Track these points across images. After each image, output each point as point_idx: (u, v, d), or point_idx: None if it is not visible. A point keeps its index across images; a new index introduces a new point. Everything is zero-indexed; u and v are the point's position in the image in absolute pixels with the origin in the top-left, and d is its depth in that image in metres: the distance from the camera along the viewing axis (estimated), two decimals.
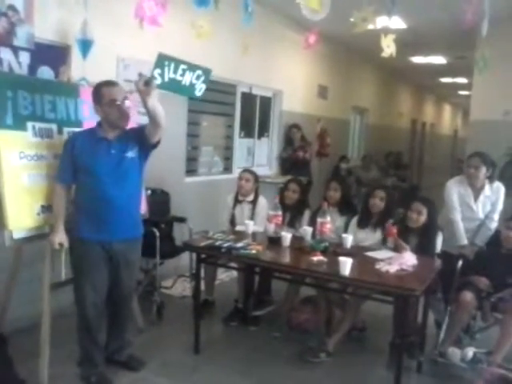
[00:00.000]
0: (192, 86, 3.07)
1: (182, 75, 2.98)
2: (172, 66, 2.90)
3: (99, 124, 2.91)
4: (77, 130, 3.13)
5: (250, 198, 4.24)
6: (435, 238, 3.59)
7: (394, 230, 3.47)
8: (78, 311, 2.94)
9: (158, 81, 2.78)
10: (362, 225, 3.81)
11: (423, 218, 3.54)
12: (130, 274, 3.06)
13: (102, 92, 2.82)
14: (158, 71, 2.81)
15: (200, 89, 3.15)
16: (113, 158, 2.84)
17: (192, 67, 3.04)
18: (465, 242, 3.83)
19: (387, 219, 3.69)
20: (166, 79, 2.89)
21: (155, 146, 2.96)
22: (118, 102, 2.80)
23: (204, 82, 3.14)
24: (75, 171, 2.84)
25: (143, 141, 2.90)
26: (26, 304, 3.30)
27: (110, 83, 2.89)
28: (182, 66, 2.96)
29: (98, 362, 3.01)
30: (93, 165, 2.80)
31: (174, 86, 2.96)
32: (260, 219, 4.09)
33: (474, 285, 3.45)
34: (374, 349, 3.68)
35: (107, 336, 3.12)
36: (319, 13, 3.12)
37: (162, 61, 2.84)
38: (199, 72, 3.08)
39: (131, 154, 2.89)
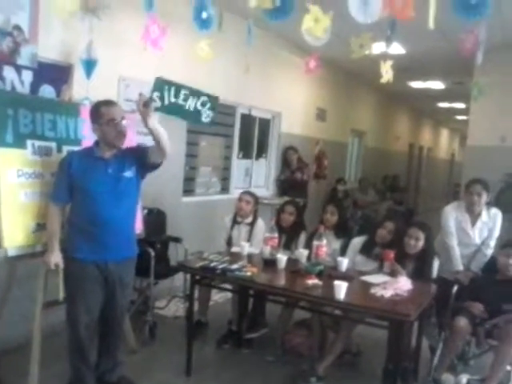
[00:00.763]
0: (197, 111, 3.10)
1: (185, 100, 3.01)
2: (172, 90, 2.94)
3: (96, 143, 2.92)
4: (76, 148, 3.15)
5: (249, 219, 4.25)
6: (432, 262, 3.59)
7: (391, 255, 3.47)
8: (70, 331, 2.91)
9: (158, 103, 2.81)
10: (365, 252, 3.81)
11: (421, 243, 3.54)
12: (123, 293, 3.05)
13: (101, 111, 2.83)
14: (157, 94, 2.85)
15: (207, 115, 3.17)
16: (110, 177, 2.85)
17: (195, 92, 3.07)
18: (460, 267, 3.83)
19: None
20: (167, 103, 2.92)
21: (157, 167, 2.99)
22: (116, 122, 2.82)
23: (210, 108, 3.16)
24: (71, 190, 2.83)
25: (142, 160, 2.92)
26: (17, 322, 3.27)
27: (108, 103, 2.92)
28: (184, 91, 3.00)
29: (89, 383, 2.97)
30: (89, 184, 2.80)
31: (176, 111, 3.00)
32: (257, 241, 4.09)
33: (469, 311, 3.44)
34: (368, 373, 3.65)
35: (98, 356, 3.09)
36: (321, 38, 3.17)
37: (160, 84, 2.88)
38: (204, 98, 3.11)
39: (129, 173, 2.91)
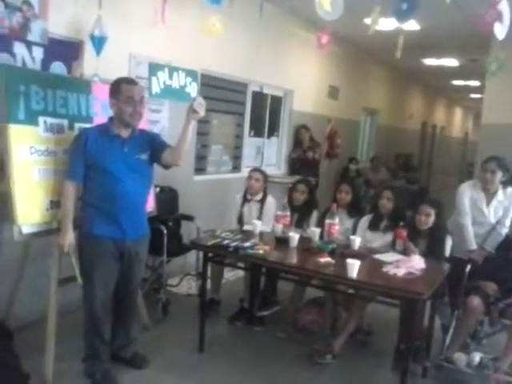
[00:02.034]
0: (182, 88, 3.11)
1: (171, 78, 3.04)
2: (166, 72, 2.98)
3: (111, 120, 2.91)
4: (88, 125, 3.13)
5: (259, 197, 4.24)
6: (444, 240, 3.57)
7: (404, 234, 3.46)
8: (86, 307, 2.94)
9: (155, 90, 2.92)
10: (372, 227, 3.82)
11: (431, 219, 3.53)
12: (139, 270, 3.10)
13: (122, 88, 2.82)
14: (154, 80, 2.90)
15: (193, 88, 3.17)
16: (126, 156, 2.85)
17: (176, 69, 3.11)
18: (474, 246, 3.80)
19: (398, 221, 3.68)
20: (162, 86, 2.96)
21: (164, 167, 3.04)
22: (135, 100, 2.81)
23: (194, 81, 3.17)
24: (86, 168, 2.82)
25: (156, 154, 2.96)
26: (33, 299, 3.31)
27: (130, 81, 2.92)
28: (174, 72, 3.06)
29: (104, 359, 3.01)
30: (107, 162, 2.80)
31: (170, 93, 3.04)
32: (267, 219, 4.08)
33: (482, 290, 3.42)
34: (380, 352, 3.66)
35: (112, 333, 3.11)
36: (333, 13, 3.11)
37: (154, 69, 2.92)
38: (183, 73, 3.12)
39: (144, 156, 2.93)
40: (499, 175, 3.80)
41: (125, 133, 2.88)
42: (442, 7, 4.86)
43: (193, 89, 3.14)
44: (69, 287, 3.03)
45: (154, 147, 2.97)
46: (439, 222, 3.57)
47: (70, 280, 2.99)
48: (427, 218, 3.53)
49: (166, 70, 3.00)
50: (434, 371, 3.37)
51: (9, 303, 3.26)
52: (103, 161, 2.80)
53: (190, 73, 3.16)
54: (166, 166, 3.03)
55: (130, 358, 3.21)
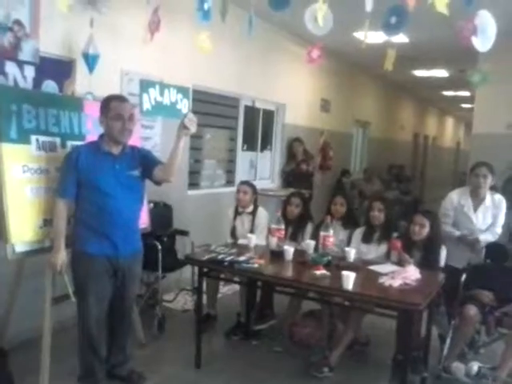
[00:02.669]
0: (173, 105, 3.12)
1: (162, 95, 3.06)
2: (157, 89, 2.99)
3: (101, 137, 2.91)
4: (80, 143, 3.14)
5: (250, 209, 4.25)
6: (439, 250, 3.57)
7: (399, 244, 3.47)
8: (81, 325, 2.92)
9: (146, 107, 2.89)
10: (366, 239, 3.81)
11: (426, 230, 3.53)
12: (133, 286, 3.09)
13: (111, 105, 2.83)
14: (145, 97, 2.92)
15: (184, 105, 3.18)
16: (117, 173, 2.85)
17: (167, 86, 3.13)
18: (457, 232, 3.83)
19: (391, 232, 3.69)
20: (154, 103, 2.97)
21: (156, 183, 3.04)
22: (123, 118, 2.82)
23: (185, 97, 3.18)
24: (77, 186, 2.82)
25: (147, 170, 2.96)
26: (27, 318, 3.28)
27: (119, 98, 2.93)
28: (165, 89, 3.07)
29: (100, 377, 2.98)
30: (99, 180, 2.80)
31: (160, 110, 3.06)
32: (260, 230, 4.10)
33: (478, 299, 3.43)
34: (377, 364, 3.64)
35: (108, 350, 3.09)
36: (323, 27, 3.15)
37: (146, 86, 2.94)
38: (174, 90, 3.14)
39: (135, 172, 2.93)
40: (490, 179, 3.84)
41: (116, 150, 2.88)
42: (429, 21, 4.94)
43: (184, 105, 3.16)
44: (63, 305, 3.01)
45: (145, 163, 2.97)
46: (434, 233, 3.57)
47: (64, 298, 2.97)
48: (421, 228, 3.53)
49: (157, 86, 3.03)
50: (432, 381, 3.35)
51: (3, 323, 3.22)
52: (95, 178, 2.80)
53: (181, 89, 3.18)
54: (158, 182, 3.04)
55: (127, 376, 3.17)
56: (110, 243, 2.85)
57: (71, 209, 2.88)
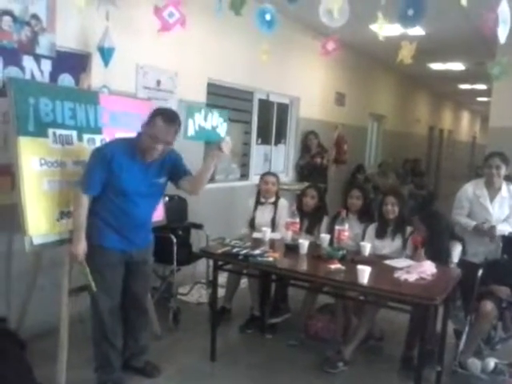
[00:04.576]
0: (213, 129, 3.13)
1: (206, 120, 3.06)
2: (202, 113, 3.00)
3: (136, 140, 2.86)
4: (96, 136, 3.17)
5: (272, 199, 4.25)
6: (445, 244, 3.53)
7: (420, 239, 3.42)
8: (95, 316, 2.95)
9: (190, 133, 2.97)
10: (379, 235, 3.77)
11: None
12: (147, 276, 3.15)
13: (156, 123, 2.74)
14: (191, 122, 2.93)
15: (223, 129, 3.20)
16: (146, 180, 2.88)
17: (210, 110, 3.15)
18: (473, 223, 3.80)
19: (404, 226, 3.66)
20: (197, 128, 2.97)
21: (177, 188, 3.11)
22: (161, 142, 2.75)
23: (225, 121, 3.20)
24: (104, 185, 2.79)
25: (175, 174, 3.02)
26: (45, 309, 3.32)
27: (168, 119, 2.78)
28: (209, 112, 3.09)
29: (116, 368, 3.01)
30: (128, 185, 2.81)
31: (204, 135, 3.07)
32: (283, 221, 4.04)
33: (495, 294, 3.39)
34: (392, 358, 3.62)
35: (124, 341, 3.12)
36: (338, 20, 3.12)
37: (191, 111, 2.94)
38: (216, 114, 3.14)
39: (162, 179, 2.98)
40: (503, 169, 3.81)
41: (149, 157, 2.84)
42: (447, 12, 4.88)
43: (223, 129, 3.17)
44: (80, 297, 3.04)
45: (173, 172, 3.01)
46: (436, 228, 3.51)
47: (81, 290, 3.00)
48: (418, 231, 3.51)
49: (203, 111, 3.02)
50: (447, 377, 3.33)
51: (21, 313, 3.27)
52: (124, 182, 2.79)
53: (222, 113, 3.20)
54: (180, 188, 3.08)
55: (143, 367, 3.21)
56: (126, 240, 2.89)
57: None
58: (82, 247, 2.80)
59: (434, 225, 3.53)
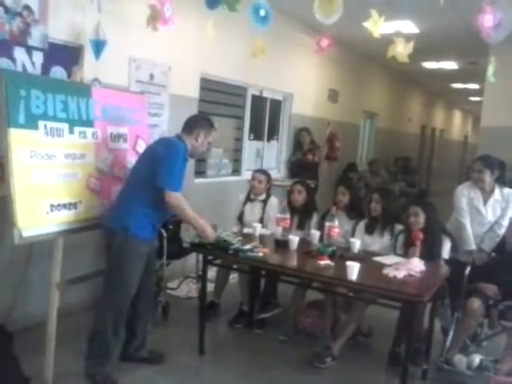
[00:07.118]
0: None
1: None
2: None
3: (183, 142, 3.09)
4: (87, 129, 3.15)
5: (262, 197, 4.27)
6: (439, 240, 3.55)
7: (420, 236, 3.42)
8: (114, 304, 2.96)
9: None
10: (369, 231, 3.82)
11: (421, 219, 3.51)
12: (154, 267, 3.41)
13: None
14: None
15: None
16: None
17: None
18: (473, 246, 3.81)
19: (391, 223, 3.69)
20: None
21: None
22: (209, 147, 3.27)
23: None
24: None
25: None
26: (33, 302, 3.32)
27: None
28: None
29: (112, 358, 3.01)
30: (182, 183, 3.00)
31: None
32: (270, 218, 4.10)
33: (482, 292, 3.43)
34: (379, 354, 3.65)
35: (131, 334, 3.18)
36: (332, 16, 3.12)
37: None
38: None
39: None
40: (487, 173, 3.83)
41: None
42: (441, 10, 4.91)
43: None
44: (69, 290, 3.03)
45: None
46: (431, 221, 3.54)
47: (70, 283, 3.00)
48: (417, 217, 3.52)
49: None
50: (433, 373, 3.37)
51: (10, 306, 3.26)
52: (182, 179, 3.00)
53: None
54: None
55: (149, 357, 3.31)
56: (155, 231, 3.15)
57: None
58: (211, 231, 3.15)
59: (434, 213, 3.58)
